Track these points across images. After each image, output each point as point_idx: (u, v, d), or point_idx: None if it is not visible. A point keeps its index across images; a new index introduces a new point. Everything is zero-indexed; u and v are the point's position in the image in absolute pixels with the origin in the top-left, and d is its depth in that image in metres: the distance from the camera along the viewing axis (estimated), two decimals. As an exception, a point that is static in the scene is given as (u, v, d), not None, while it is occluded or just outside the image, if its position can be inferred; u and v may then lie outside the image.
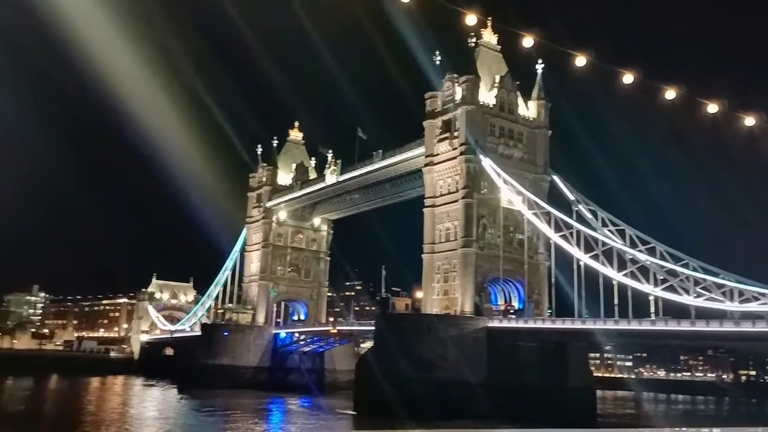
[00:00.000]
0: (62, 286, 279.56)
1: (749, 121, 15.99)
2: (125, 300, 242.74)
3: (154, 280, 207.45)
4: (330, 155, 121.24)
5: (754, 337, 62.28)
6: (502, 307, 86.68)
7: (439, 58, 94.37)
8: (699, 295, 65.43)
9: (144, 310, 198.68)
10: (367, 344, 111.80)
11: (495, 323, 78.87)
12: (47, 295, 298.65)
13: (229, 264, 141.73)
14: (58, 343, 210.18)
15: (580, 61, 14.76)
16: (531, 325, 77.13)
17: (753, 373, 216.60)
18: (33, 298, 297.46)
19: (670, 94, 15.50)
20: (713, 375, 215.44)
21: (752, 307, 61.72)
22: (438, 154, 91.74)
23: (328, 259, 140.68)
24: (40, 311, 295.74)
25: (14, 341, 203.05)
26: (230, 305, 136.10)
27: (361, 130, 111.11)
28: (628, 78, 15.12)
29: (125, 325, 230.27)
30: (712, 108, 15.66)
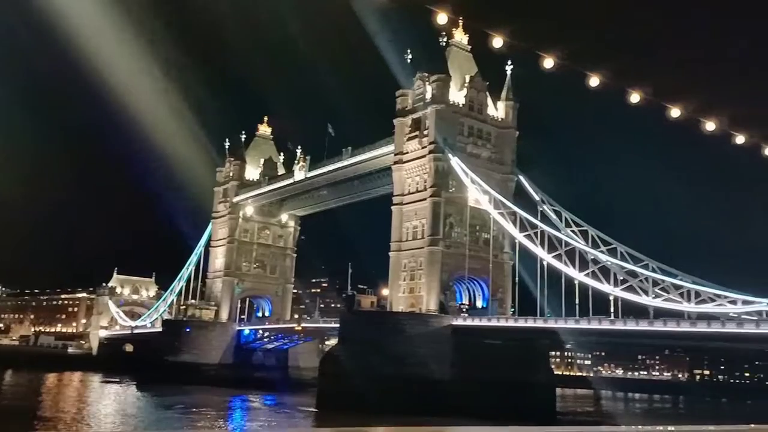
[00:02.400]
0: (19, 280, 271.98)
1: (710, 125, 16.53)
2: (84, 295, 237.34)
3: (115, 275, 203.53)
4: (299, 151, 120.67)
5: (710, 337, 64.11)
6: (456, 306, 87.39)
7: (410, 56, 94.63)
8: (657, 296, 67.17)
9: (104, 306, 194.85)
10: (332, 341, 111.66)
11: (460, 321, 79.60)
12: (4, 289, 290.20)
13: (193, 259, 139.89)
14: (14, 338, 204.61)
15: (548, 63, 15.03)
16: (495, 323, 78.03)
17: (708, 372, 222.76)
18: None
19: (635, 97, 15.94)
20: (669, 374, 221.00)
21: (708, 308, 63.63)
22: (407, 152, 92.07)
23: (295, 255, 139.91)
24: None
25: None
26: (193, 301, 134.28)
27: (332, 126, 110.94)
28: (594, 81, 15.47)
29: (84, 321, 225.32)
30: (675, 112, 16.15)
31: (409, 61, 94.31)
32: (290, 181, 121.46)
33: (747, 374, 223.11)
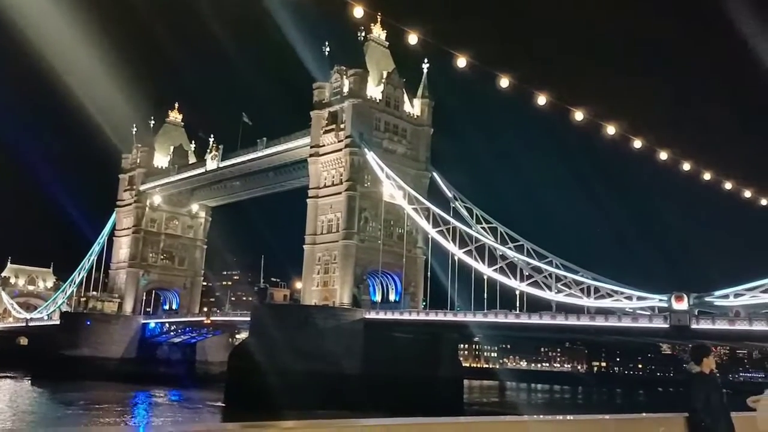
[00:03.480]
0: None
1: (610, 129, 17.43)
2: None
3: (9, 264, 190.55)
4: (211, 140, 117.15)
5: (607, 331, 67.93)
6: (369, 300, 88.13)
7: (328, 48, 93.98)
8: (560, 291, 70.38)
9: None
10: (242, 335, 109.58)
11: (372, 315, 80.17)
12: None
13: (95, 249, 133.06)
14: None
15: (461, 62, 15.30)
16: (406, 317, 79.20)
17: (604, 364, 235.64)
18: None
19: (542, 99, 16.55)
20: (569, 366, 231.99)
21: (606, 303, 67.30)
22: (324, 146, 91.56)
23: (205, 247, 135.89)
24: None
25: None
26: (95, 293, 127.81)
27: (247, 116, 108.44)
28: (504, 82, 15.93)
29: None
30: (579, 115, 16.92)
31: (326, 53, 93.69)
32: (202, 170, 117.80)
33: (640, 366, 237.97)
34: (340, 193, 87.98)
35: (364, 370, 74.05)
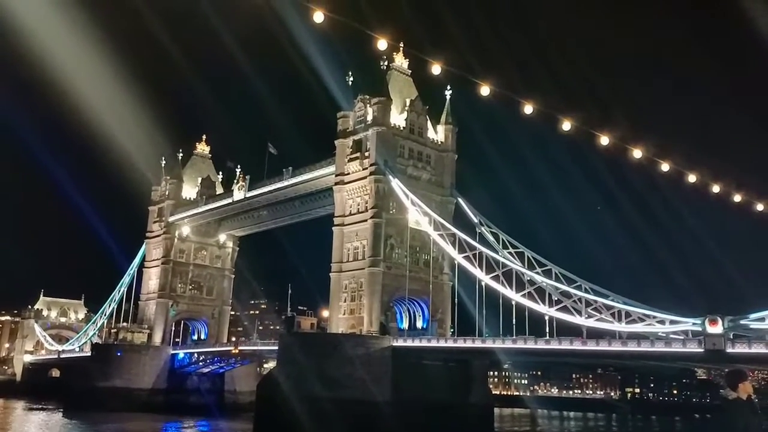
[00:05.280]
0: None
1: (637, 153, 17.44)
2: (8, 318, 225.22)
3: (41, 297, 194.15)
4: (238, 170, 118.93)
5: (639, 356, 66.39)
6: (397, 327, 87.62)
7: (351, 78, 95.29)
8: (590, 316, 69.14)
9: (29, 329, 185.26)
10: (270, 364, 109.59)
11: (400, 342, 79.69)
12: None
13: (125, 280, 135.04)
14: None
15: (484, 90, 15.47)
16: (434, 344, 78.50)
17: (638, 390, 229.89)
18: None
19: (566, 125, 16.62)
20: (602, 392, 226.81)
21: (638, 327, 65.94)
22: (348, 174, 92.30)
23: (233, 276, 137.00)
24: None
25: None
26: (125, 324, 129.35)
27: (273, 146, 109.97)
28: (528, 108, 16.05)
29: (7, 345, 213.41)
30: (604, 140, 16.97)
31: (350, 83, 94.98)
32: (229, 200, 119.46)
33: (675, 392, 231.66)
34: (365, 220, 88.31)
35: (393, 398, 73.43)
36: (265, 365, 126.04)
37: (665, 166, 17.70)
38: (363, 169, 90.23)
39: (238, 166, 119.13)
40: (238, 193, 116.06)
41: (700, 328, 58.80)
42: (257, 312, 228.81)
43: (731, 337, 57.56)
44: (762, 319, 57.91)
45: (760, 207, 21.79)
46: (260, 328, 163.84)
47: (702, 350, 57.84)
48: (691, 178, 18.07)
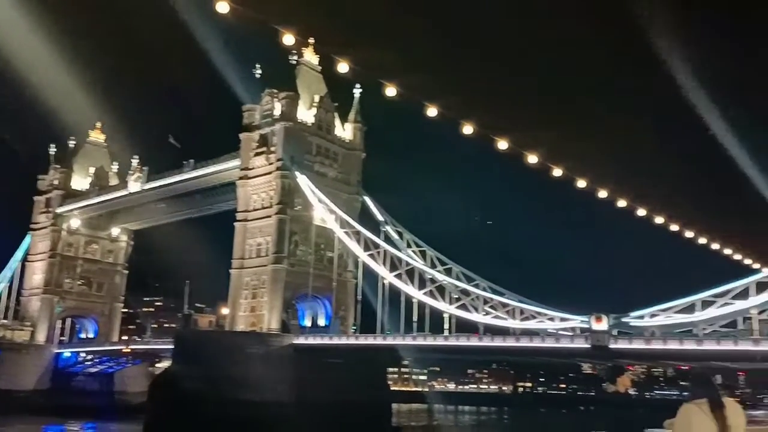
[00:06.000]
0: None
1: (532, 158, 18.32)
2: None
3: None
4: (135, 161, 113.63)
5: (531, 351, 69.80)
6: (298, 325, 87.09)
7: (259, 71, 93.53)
8: (487, 313, 71.88)
9: None
10: (164, 364, 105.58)
11: (302, 340, 79.24)
12: None
13: (6, 275, 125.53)
14: None
15: (390, 91, 15.68)
16: (336, 341, 78.68)
17: (529, 384, 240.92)
18: None
19: (468, 129, 17.20)
20: (496, 387, 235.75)
21: (531, 324, 69.20)
22: (253, 168, 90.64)
23: (126, 272, 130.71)
24: None
25: None
26: (5, 321, 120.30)
27: (174, 137, 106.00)
28: (432, 111, 16.46)
29: None
30: (502, 144, 17.71)
31: (257, 76, 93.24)
32: (124, 192, 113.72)
33: (563, 386, 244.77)
34: (270, 216, 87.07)
35: (295, 396, 72.85)
36: (158, 365, 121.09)
37: (557, 171, 18.70)
38: (269, 164, 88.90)
39: (136, 157, 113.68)
40: (134, 185, 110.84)
41: (587, 325, 62.47)
42: (152, 309, 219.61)
43: (615, 333, 61.55)
44: (641, 317, 62.40)
45: (641, 212, 23.46)
46: (155, 326, 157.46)
47: (588, 346, 61.49)
48: (581, 183, 19.19)
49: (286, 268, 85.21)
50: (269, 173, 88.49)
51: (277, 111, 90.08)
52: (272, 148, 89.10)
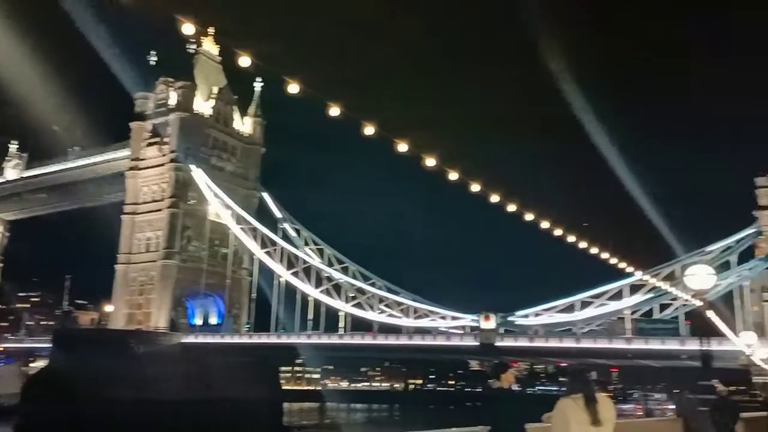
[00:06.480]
0: None
1: (430, 161, 18.89)
2: None
3: None
4: (14, 147, 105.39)
5: (424, 349, 71.62)
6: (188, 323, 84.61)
7: (155, 58, 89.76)
8: (382, 312, 73.03)
9: None
10: (40, 363, 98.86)
11: (191, 339, 76.90)
12: None
13: None
14: None
15: (293, 88, 15.55)
16: (227, 340, 76.98)
17: (420, 381, 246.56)
18: None
19: (369, 129, 17.40)
20: (388, 384, 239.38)
21: (424, 323, 71.06)
22: (145, 159, 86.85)
23: (0, 265, 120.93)
24: None
25: None
26: None
27: (59, 124, 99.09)
28: (334, 111, 16.51)
29: None
30: (402, 147, 18.06)
31: (153, 63, 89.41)
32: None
33: (452, 382, 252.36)
34: (161, 210, 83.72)
35: (183, 396, 70.45)
36: (33, 365, 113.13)
37: (453, 175, 19.42)
38: (162, 156, 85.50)
39: (15, 143, 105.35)
40: (12, 172, 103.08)
41: (476, 324, 64.95)
42: (27, 305, 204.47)
43: (501, 331, 64.40)
44: (526, 316, 65.75)
45: (529, 216, 24.76)
46: (30, 323, 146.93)
47: (477, 343, 63.94)
48: (475, 187, 20.05)
49: (178, 264, 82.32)
50: (162, 165, 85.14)
51: (173, 101, 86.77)
52: (166, 139, 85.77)
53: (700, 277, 9.88)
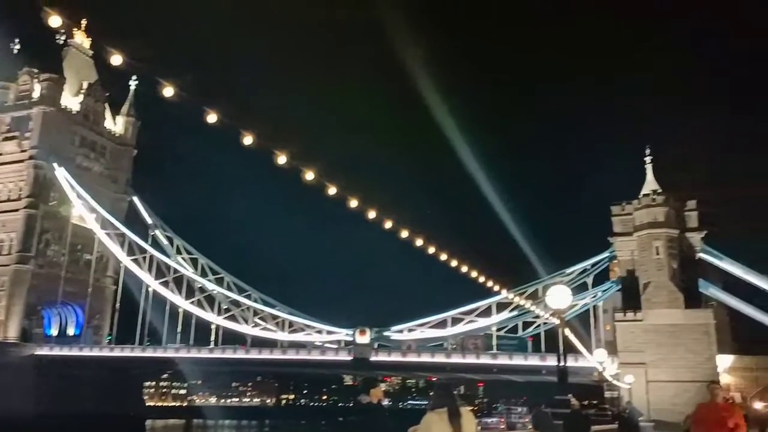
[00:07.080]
0: None
1: (309, 175, 18.77)
2: None
3: None
4: None
5: (298, 363, 70.94)
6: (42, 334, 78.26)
7: (18, 46, 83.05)
8: (257, 325, 71.45)
9: None
10: None
11: (46, 351, 71.08)
12: None
13: None
14: None
15: (168, 91, 14.87)
16: (86, 353, 71.89)
17: (292, 396, 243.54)
18: None
19: (248, 139, 17.02)
20: (259, 400, 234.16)
21: (299, 337, 70.36)
22: (2, 154, 79.82)
23: None
24: None
25: None
26: None
27: None
28: (212, 117, 15.97)
29: None
30: (282, 159, 17.84)
31: (15, 51, 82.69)
32: None
33: (325, 397, 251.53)
34: (17, 210, 77.04)
35: (36, 411, 64.72)
36: None
37: (332, 190, 19.43)
38: (21, 151, 79.01)
39: None
40: None
41: (351, 338, 65.24)
42: None
43: (376, 346, 65.15)
44: (400, 331, 66.98)
45: (404, 234, 25.32)
46: None
47: (351, 358, 64.22)
48: (353, 203, 20.19)
49: (33, 270, 75.97)
50: (20, 161, 78.57)
51: (37, 93, 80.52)
52: (26, 134, 79.33)
53: (558, 296, 10.54)
